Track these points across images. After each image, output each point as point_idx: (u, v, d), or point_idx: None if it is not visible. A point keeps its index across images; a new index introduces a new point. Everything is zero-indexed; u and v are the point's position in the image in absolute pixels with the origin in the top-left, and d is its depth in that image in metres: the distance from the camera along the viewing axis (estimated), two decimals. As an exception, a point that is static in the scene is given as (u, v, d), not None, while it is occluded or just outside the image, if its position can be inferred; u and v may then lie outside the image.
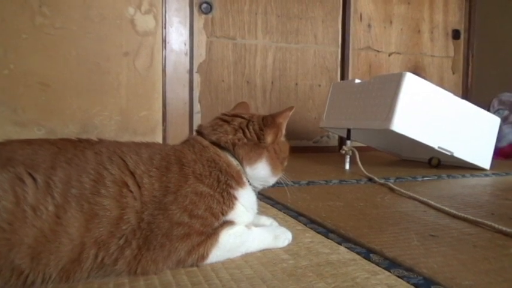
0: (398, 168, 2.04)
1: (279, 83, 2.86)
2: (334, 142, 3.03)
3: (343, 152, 2.01)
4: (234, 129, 0.81)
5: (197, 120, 2.63)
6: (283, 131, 0.86)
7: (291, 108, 0.85)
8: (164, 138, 2.46)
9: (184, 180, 0.70)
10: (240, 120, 0.83)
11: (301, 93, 2.92)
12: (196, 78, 2.65)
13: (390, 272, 0.69)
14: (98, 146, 0.71)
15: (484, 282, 0.66)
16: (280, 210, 1.14)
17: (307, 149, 2.90)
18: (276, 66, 2.84)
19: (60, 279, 0.61)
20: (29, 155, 0.66)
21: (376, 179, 1.63)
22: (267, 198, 1.26)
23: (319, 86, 2.95)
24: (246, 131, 0.81)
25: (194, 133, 0.85)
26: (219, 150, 0.78)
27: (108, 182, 0.65)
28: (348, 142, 2.05)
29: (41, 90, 2.21)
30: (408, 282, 0.65)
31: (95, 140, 0.74)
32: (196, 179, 0.71)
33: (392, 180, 1.64)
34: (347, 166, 2.01)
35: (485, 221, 0.99)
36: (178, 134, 2.48)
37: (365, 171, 1.75)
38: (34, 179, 0.62)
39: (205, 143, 0.78)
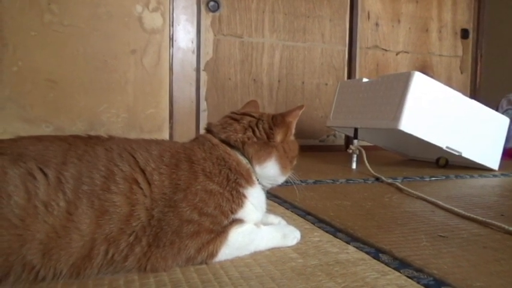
0: (406, 168, 2.03)
1: (286, 82, 2.85)
2: (341, 141, 3.02)
3: (350, 151, 2.01)
4: (244, 128, 0.81)
5: (204, 118, 2.63)
6: (293, 130, 0.86)
7: (300, 107, 0.85)
8: (171, 136, 2.47)
9: (194, 178, 0.70)
10: (249, 118, 0.83)
11: (308, 92, 2.91)
12: (203, 76, 2.65)
13: (400, 273, 0.69)
14: (108, 142, 0.72)
15: (495, 284, 0.66)
16: (287, 208, 1.14)
17: (314, 148, 2.90)
18: (283, 65, 2.84)
19: (71, 275, 0.62)
20: (40, 151, 0.66)
21: (383, 178, 1.63)
22: (274, 196, 1.26)
23: (326, 84, 2.94)
24: (256, 129, 0.81)
25: (203, 131, 0.85)
26: (228, 149, 0.78)
27: (118, 179, 0.66)
28: (355, 141, 2.04)
29: (49, 88, 2.22)
30: (418, 283, 0.65)
31: (105, 136, 0.75)
32: (206, 177, 0.71)
33: (399, 180, 1.63)
34: (354, 165, 2.00)
35: (495, 222, 0.98)
36: (185, 132, 2.48)
37: (372, 171, 1.74)
38: (45, 174, 0.63)
39: (215, 141, 0.78)
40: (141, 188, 0.66)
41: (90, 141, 0.71)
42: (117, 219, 0.64)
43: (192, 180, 0.70)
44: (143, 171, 0.68)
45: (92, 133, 0.75)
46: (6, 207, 0.59)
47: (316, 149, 2.91)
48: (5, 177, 0.60)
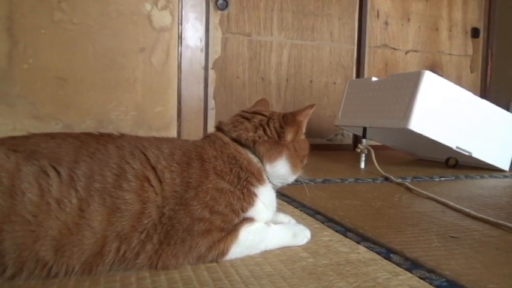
0: (415, 168, 2.01)
1: (294, 80, 2.84)
2: (349, 140, 3.01)
3: (359, 150, 1.99)
4: (255, 127, 0.81)
5: (212, 117, 2.63)
6: (304, 129, 0.86)
7: (311, 106, 0.84)
8: (179, 134, 2.47)
9: (205, 176, 0.70)
10: (260, 117, 0.83)
11: (316, 91, 2.90)
12: (212, 74, 2.65)
13: (412, 273, 0.68)
14: (119, 140, 0.72)
15: (509, 286, 0.65)
16: (296, 207, 1.13)
17: (321, 147, 2.89)
18: (291, 63, 2.83)
19: (83, 271, 0.62)
20: (53, 148, 0.67)
21: (392, 178, 1.61)
22: (283, 195, 1.26)
23: (335, 83, 2.93)
24: (267, 128, 0.81)
25: (214, 129, 0.85)
26: (239, 147, 0.78)
27: (130, 176, 0.66)
28: (364, 141, 2.02)
29: (59, 85, 2.23)
30: (431, 284, 0.64)
31: (116, 134, 0.75)
32: (217, 175, 0.71)
33: (409, 180, 1.62)
34: (362, 165, 1.99)
35: (508, 223, 0.97)
36: (193, 130, 2.48)
37: (381, 170, 1.73)
38: (58, 172, 0.63)
39: (226, 139, 0.78)
40: (152, 186, 0.67)
41: (102, 139, 0.72)
42: (129, 217, 0.64)
43: (203, 178, 0.70)
44: (154, 169, 0.68)
45: (101, 131, 0.76)
46: (20, 203, 0.59)
47: (324, 147, 2.90)
48: (18, 174, 0.60)
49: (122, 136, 0.74)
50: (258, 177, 0.76)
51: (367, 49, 2.98)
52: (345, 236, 0.88)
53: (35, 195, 0.60)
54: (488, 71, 3.30)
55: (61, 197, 0.61)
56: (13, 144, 0.66)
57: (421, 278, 0.66)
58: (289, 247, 0.79)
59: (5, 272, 0.59)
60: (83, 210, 0.62)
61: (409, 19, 3.08)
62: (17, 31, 2.13)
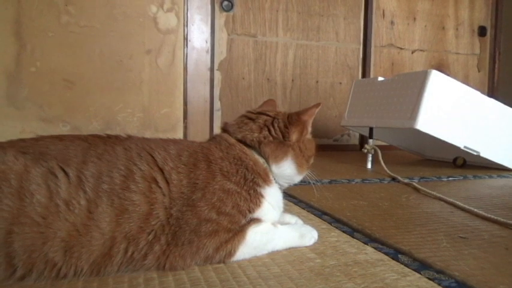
0: (422, 168, 2.00)
1: (300, 81, 2.84)
2: (355, 141, 3.00)
3: (365, 150, 1.99)
4: (260, 127, 0.81)
5: (217, 118, 2.64)
6: (309, 129, 0.85)
7: (317, 105, 0.84)
8: (185, 135, 2.48)
9: (212, 177, 0.70)
10: (265, 117, 0.83)
11: (322, 91, 2.90)
12: (217, 75, 2.66)
13: (420, 274, 0.68)
14: (127, 142, 0.72)
15: (519, 287, 0.64)
16: (303, 208, 1.13)
17: (327, 148, 2.88)
18: (297, 64, 2.83)
19: (92, 272, 0.62)
20: (61, 150, 0.67)
21: (400, 178, 1.61)
22: (289, 196, 1.25)
23: (340, 83, 2.92)
24: (271, 128, 0.81)
25: (219, 130, 0.85)
26: (245, 148, 0.78)
27: (137, 178, 0.66)
28: (370, 141, 2.02)
29: (66, 87, 2.25)
30: (440, 284, 0.64)
31: (124, 136, 0.75)
32: (224, 177, 0.71)
33: (416, 180, 1.61)
34: (369, 165, 1.98)
35: (517, 224, 0.96)
36: (199, 131, 2.49)
37: (388, 171, 1.72)
38: (66, 173, 0.64)
39: (232, 140, 0.78)
40: (160, 187, 0.67)
41: (109, 140, 0.72)
42: (137, 218, 0.64)
43: (210, 179, 0.70)
44: (162, 170, 0.68)
45: (108, 132, 0.76)
46: (29, 205, 0.60)
47: (330, 148, 2.89)
48: (27, 176, 0.61)
49: (129, 138, 0.75)
50: (265, 178, 0.76)
51: (373, 49, 2.97)
52: (352, 237, 0.88)
53: (43, 197, 0.61)
54: (496, 70, 3.27)
55: (69, 198, 0.62)
56: (23, 146, 0.67)
57: (429, 279, 0.66)
58: (297, 248, 0.79)
59: (15, 273, 0.59)
60: (91, 212, 0.62)
61: (415, 18, 3.07)
62: (25, 34, 2.16)
